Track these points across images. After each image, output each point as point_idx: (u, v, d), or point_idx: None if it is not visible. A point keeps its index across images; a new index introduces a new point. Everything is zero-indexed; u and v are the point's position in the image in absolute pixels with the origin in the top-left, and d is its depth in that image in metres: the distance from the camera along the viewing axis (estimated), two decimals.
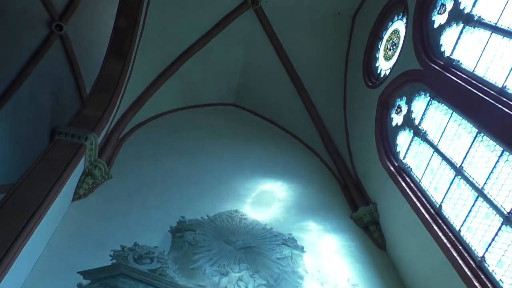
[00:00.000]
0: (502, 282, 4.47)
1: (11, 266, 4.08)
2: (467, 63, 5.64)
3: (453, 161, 5.57)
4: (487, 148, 5.03)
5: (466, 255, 4.92)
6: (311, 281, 5.84)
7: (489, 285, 4.51)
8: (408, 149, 6.81)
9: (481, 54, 5.39)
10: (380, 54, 8.35)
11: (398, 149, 7.13)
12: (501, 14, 5.14)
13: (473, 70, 5.44)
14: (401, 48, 7.30)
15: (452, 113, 5.79)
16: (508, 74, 4.84)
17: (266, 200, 7.47)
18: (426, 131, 6.35)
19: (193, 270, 5.45)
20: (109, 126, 7.23)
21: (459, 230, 5.24)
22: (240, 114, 10.47)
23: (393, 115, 7.40)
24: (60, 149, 5.75)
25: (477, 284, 4.56)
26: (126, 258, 5.21)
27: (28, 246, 4.41)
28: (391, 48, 7.95)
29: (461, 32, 5.82)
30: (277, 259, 6.10)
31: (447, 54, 6.04)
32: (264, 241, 6.41)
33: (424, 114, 6.45)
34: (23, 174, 5.16)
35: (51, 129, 6.03)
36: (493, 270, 4.61)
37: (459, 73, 5.59)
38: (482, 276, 4.60)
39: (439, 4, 6.46)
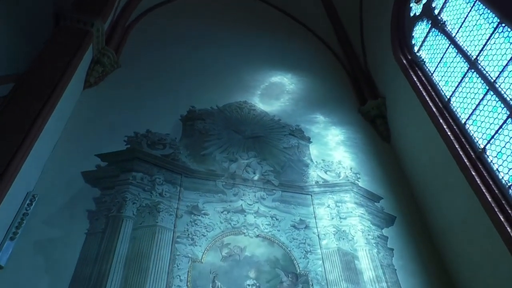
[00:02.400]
0: (499, 172, 4.68)
1: (31, 149, 4.29)
2: None
3: (468, 54, 5.43)
4: (506, 40, 4.86)
5: (467, 146, 5.09)
6: (316, 169, 6.15)
7: (485, 174, 4.74)
8: (423, 41, 6.59)
9: None
10: None
11: (413, 41, 6.90)
12: None
13: None
14: None
15: (475, 2, 5.47)
16: None
17: (275, 92, 7.49)
18: (445, 21, 6.07)
19: (204, 156, 5.73)
20: (115, 12, 6.96)
21: (465, 123, 5.33)
22: (252, 3, 9.92)
23: (412, 4, 7.00)
24: (67, 35, 5.63)
25: (474, 173, 4.79)
26: (140, 144, 5.46)
27: (45, 131, 4.59)
28: None
29: None
30: (284, 148, 6.35)
31: None
32: (272, 131, 6.60)
33: (445, 2, 6.09)
34: (32, 62, 5.16)
35: (55, 14, 5.83)
36: (491, 161, 4.80)
37: None
38: (480, 166, 4.81)
39: None
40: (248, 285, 4.44)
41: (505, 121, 4.70)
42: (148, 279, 4.12)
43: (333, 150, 6.66)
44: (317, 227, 5.27)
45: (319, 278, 4.72)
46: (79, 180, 4.76)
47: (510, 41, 4.78)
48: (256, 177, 5.68)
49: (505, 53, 4.84)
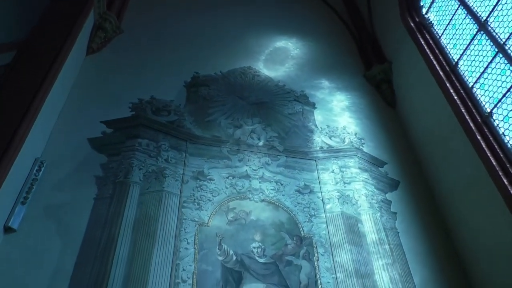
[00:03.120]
0: (505, 136, 4.67)
1: (36, 116, 4.31)
2: None
3: (478, 15, 5.29)
4: None
5: (474, 110, 5.05)
6: (320, 135, 6.15)
7: (491, 138, 4.72)
8: (432, 2, 6.41)
9: None
10: None
11: (421, 3, 6.71)
12: None
13: None
14: None
15: None
16: None
17: (280, 57, 7.39)
18: None
19: (209, 123, 5.73)
20: None
21: (472, 87, 5.27)
22: None
23: None
24: (67, 0, 5.53)
25: (479, 138, 4.78)
26: (144, 110, 5.47)
27: (50, 98, 4.59)
28: None
29: None
30: (289, 114, 6.33)
31: None
32: (276, 97, 6.57)
33: None
34: (33, 29, 5.09)
35: None
36: (498, 125, 4.78)
37: None
38: (486, 130, 4.79)
39: None
40: (254, 247, 4.55)
41: None
42: (156, 242, 4.24)
43: (338, 115, 6.64)
44: (321, 192, 5.33)
45: (323, 241, 4.83)
46: (86, 146, 4.81)
47: None
48: (260, 143, 5.71)
49: None
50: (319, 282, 4.43)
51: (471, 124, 4.90)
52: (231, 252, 4.43)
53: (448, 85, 5.49)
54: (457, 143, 5.21)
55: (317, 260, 4.63)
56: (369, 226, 5.11)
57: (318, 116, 6.50)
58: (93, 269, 3.85)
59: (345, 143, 6.10)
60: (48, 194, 4.27)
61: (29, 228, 3.95)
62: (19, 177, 4.09)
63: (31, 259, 3.76)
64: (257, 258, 4.48)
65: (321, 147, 5.93)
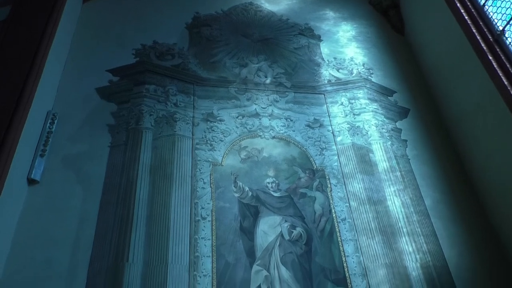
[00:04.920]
0: None
1: (42, 68, 4.30)
2: None
3: None
4: None
5: (485, 29, 4.89)
6: (328, 68, 6.06)
7: (502, 57, 4.61)
8: None
9: None
10: None
11: None
12: None
13: None
14: None
15: None
16: None
17: None
18: None
19: (214, 64, 5.67)
20: None
21: (484, 4, 5.06)
22: None
23: None
24: None
25: (490, 58, 4.67)
26: (148, 56, 5.41)
27: (53, 49, 4.55)
28: None
29: None
30: (294, 49, 6.21)
31: None
32: (280, 32, 6.41)
33: None
34: None
35: None
36: (510, 43, 4.64)
37: None
38: (497, 49, 4.66)
39: None
40: (268, 182, 4.69)
41: None
42: (173, 184, 4.39)
43: (345, 46, 6.49)
44: (331, 125, 5.36)
45: (335, 172, 4.94)
46: (95, 96, 4.84)
47: None
48: (268, 81, 5.66)
49: None
50: (333, 211, 4.59)
51: (482, 44, 4.76)
52: (247, 189, 4.57)
53: (458, 5, 5.26)
54: (468, 65, 5.10)
55: (330, 190, 4.77)
56: (380, 155, 5.18)
57: (324, 49, 6.37)
58: (116, 212, 4.05)
59: (353, 75, 6.02)
60: (64, 146, 4.38)
61: (51, 178, 4.11)
62: (35, 131, 4.18)
63: (57, 207, 3.95)
64: (272, 192, 4.63)
65: (329, 80, 5.87)
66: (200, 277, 3.87)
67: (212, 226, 4.21)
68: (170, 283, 3.75)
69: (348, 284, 4.08)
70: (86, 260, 3.72)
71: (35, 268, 3.58)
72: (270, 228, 4.34)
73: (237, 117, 5.17)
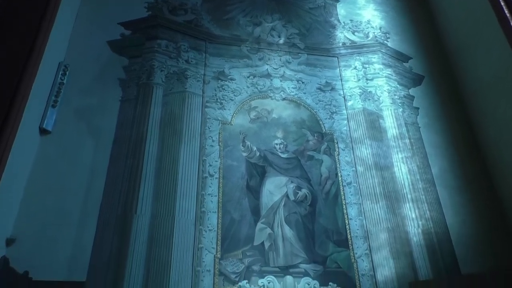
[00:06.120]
0: None
1: (54, 18, 4.25)
2: None
3: None
4: None
5: None
6: (343, 30, 5.91)
7: None
8: None
9: None
10: None
11: None
12: None
13: None
14: None
15: None
16: None
17: None
18: None
19: (227, 21, 5.56)
20: None
21: None
22: None
23: None
24: None
25: None
26: (161, 10, 5.30)
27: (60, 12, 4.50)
28: None
29: None
30: (310, 9, 6.04)
31: None
32: None
33: None
34: None
35: None
36: None
37: None
38: None
39: None
40: (276, 143, 4.71)
41: None
42: (183, 140, 4.43)
43: (362, 8, 6.29)
44: (343, 89, 5.30)
45: (344, 137, 4.93)
46: (106, 49, 4.81)
47: None
48: (281, 41, 5.56)
49: None
50: (339, 174, 4.63)
51: (506, 11, 4.57)
52: (255, 149, 4.61)
53: None
54: (488, 32, 4.92)
55: (338, 154, 4.79)
56: (390, 122, 5.14)
57: (341, 10, 6.18)
58: (126, 165, 4.13)
59: (369, 38, 5.87)
60: (76, 97, 4.41)
61: (62, 129, 4.17)
62: (46, 82, 4.20)
63: (69, 157, 4.04)
64: (279, 153, 4.66)
65: (344, 43, 5.74)
66: (206, 231, 3.99)
67: (219, 183, 4.29)
68: (176, 235, 3.87)
69: (350, 245, 4.18)
70: (96, 210, 3.85)
71: (46, 215, 3.72)
72: (276, 188, 4.41)
73: (248, 77, 5.13)
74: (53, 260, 3.54)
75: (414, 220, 4.42)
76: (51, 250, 3.57)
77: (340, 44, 5.71)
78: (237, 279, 3.82)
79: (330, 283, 3.93)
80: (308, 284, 3.89)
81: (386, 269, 4.09)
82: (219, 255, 3.90)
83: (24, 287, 3.39)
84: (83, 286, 3.50)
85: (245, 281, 3.81)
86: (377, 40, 5.85)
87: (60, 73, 4.39)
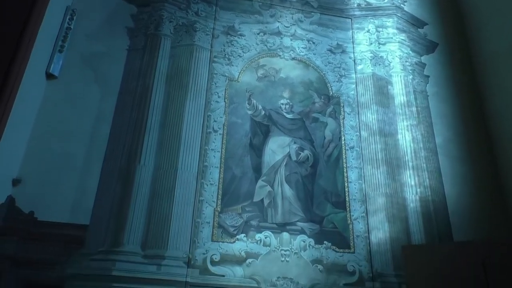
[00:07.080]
0: None
1: None
2: None
3: None
4: None
5: None
6: None
7: None
8: None
9: None
10: None
11: None
12: None
13: None
14: None
15: None
16: None
17: None
18: None
19: None
20: None
21: None
22: None
23: None
24: None
25: None
26: None
27: None
28: None
29: None
30: None
31: None
32: None
33: None
34: None
35: None
36: None
37: None
38: None
39: None
40: (282, 104, 4.69)
41: None
42: (188, 94, 4.41)
43: None
44: (353, 52, 5.20)
45: (351, 101, 4.89)
46: None
47: None
48: None
49: None
50: (343, 138, 4.64)
51: None
52: (260, 107, 4.59)
53: None
54: (506, 3, 4.76)
55: (343, 118, 4.77)
56: (399, 88, 5.07)
57: None
58: (131, 115, 4.14)
59: (385, 1, 5.68)
60: (83, 43, 4.37)
61: (69, 75, 4.17)
62: (54, 26, 4.15)
63: (75, 103, 4.07)
64: (284, 113, 4.65)
65: (359, 5, 5.56)
66: (207, 185, 4.06)
67: (222, 139, 4.31)
68: (178, 188, 3.95)
69: (347, 207, 4.26)
70: (100, 157, 3.91)
71: (51, 159, 3.79)
72: (278, 148, 4.43)
73: (258, 34, 5.03)
74: (58, 202, 3.65)
75: (413, 187, 4.46)
76: (56, 193, 3.67)
77: (355, 5, 5.53)
78: (235, 232, 3.92)
79: (325, 242, 4.04)
80: (304, 241, 4.00)
81: (380, 232, 4.19)
82: (219, 209, 3.98)
83: (30, 226, 3.51)
84: (87, 229, 3.62)
85: (242, 235, 3.92)
86: (393, 3, 5.65)
87: (68, 17, 4.33)
